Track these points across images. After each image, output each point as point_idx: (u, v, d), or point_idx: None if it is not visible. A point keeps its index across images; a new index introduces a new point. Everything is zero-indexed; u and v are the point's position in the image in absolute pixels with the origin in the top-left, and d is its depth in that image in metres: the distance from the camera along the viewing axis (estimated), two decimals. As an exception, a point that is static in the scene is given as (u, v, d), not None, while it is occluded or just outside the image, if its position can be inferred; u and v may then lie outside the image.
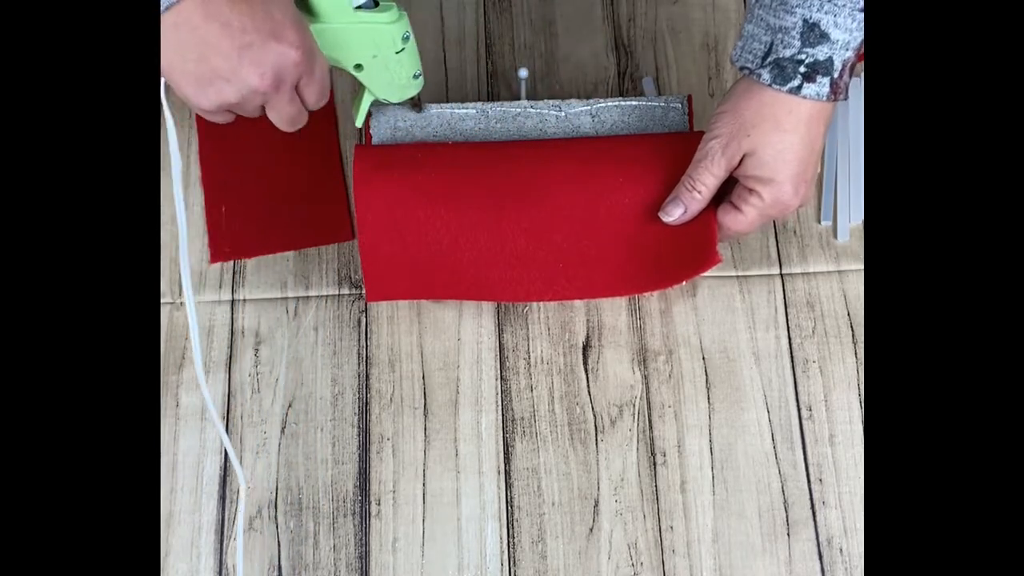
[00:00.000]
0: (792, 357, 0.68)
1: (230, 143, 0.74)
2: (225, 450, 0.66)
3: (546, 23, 0.78)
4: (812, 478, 0.65)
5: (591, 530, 0.64)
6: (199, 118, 0.75)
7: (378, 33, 0.59)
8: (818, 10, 0.54)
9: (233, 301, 0.70)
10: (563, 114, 0.69)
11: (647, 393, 0.67)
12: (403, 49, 0.60)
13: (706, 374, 0.67)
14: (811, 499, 0.64)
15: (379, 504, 0.65)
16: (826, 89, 0.56)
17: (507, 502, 0.65)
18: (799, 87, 0.56)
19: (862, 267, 0.70)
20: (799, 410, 0.67)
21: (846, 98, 0.58)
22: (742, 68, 0.58)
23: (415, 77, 0.63)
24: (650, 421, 0.66)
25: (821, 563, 0.63)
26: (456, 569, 0.63)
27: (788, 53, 0.56)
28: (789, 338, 0.68)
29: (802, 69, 0.56)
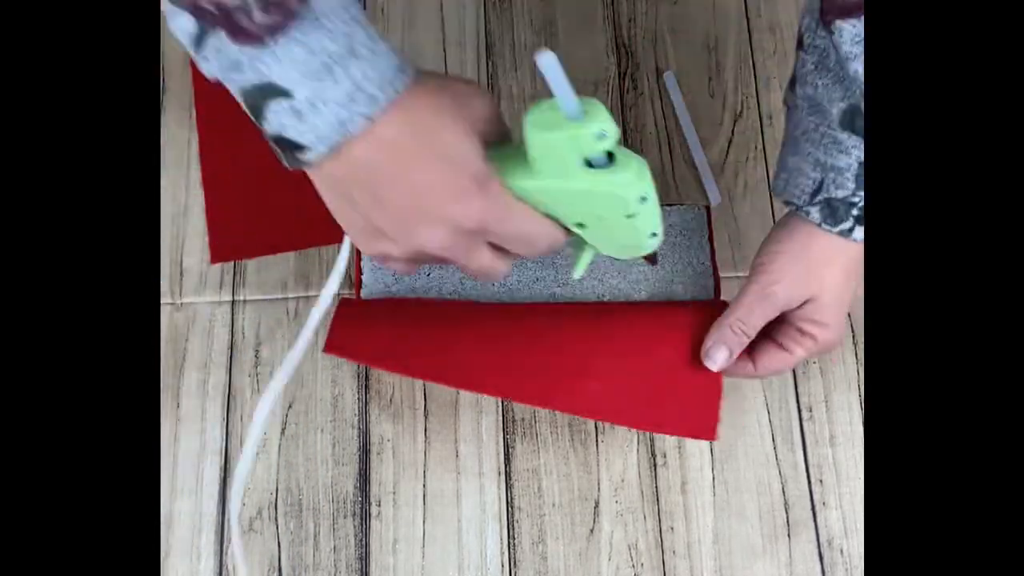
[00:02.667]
0: (792, 358, 0.68)
1: (230, 143, 0.74)
2: (225, 450, 0.66)
3: (546, 23, 0.78)
4: (812, 479, 0.65)
5: (591, 531, 0.64)
6: (199, 118, 0.75)
7: (609, 196, 0.46)
8: None
9: (233, 301, 0.70)
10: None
11: (647, 394, 0.67)
12: (636, 214, 0.47)
13: (706, 375, 0.67)
14: (811, 500, 0.64)
15: (379, 505, 0.65)
16: (862, 231, 0.54)
17: (507, 503, 0.65)
18: (850, 229, 0.54)
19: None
20: (799, 411, 0.67)
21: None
22: (787, 203, 0.56)
23: (651, 236, 0.50)
24: (650, 422, 0.66)
25: (821, 564, 0.63)
26: (456, 570, 0.63)
27: (840, 195, 0.53)
28: (789, 339, 0.68)
29: (855, 212, 0.54)
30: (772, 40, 0.77)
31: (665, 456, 0.65)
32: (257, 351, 0.68)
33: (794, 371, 0.67)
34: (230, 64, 0.43)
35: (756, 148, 0.74)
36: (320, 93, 0.42)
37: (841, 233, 0.54)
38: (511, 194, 0.46)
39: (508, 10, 0.79)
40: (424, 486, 0.65)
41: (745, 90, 0.75)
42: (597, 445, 0.66)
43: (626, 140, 0.74)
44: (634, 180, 0.45)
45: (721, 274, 0.69)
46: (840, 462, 0.65)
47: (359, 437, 0.66)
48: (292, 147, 0.45)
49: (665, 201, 0.72)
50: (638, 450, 0.66)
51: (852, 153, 0.53)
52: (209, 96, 0.76)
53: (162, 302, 0.70)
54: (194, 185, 0.73)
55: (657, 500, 0.64)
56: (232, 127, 0.75)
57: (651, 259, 0.58)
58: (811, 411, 0.67)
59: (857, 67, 0.50)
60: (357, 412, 0.67)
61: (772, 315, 0.56)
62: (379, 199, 0.46)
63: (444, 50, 0.77)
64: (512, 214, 0.47)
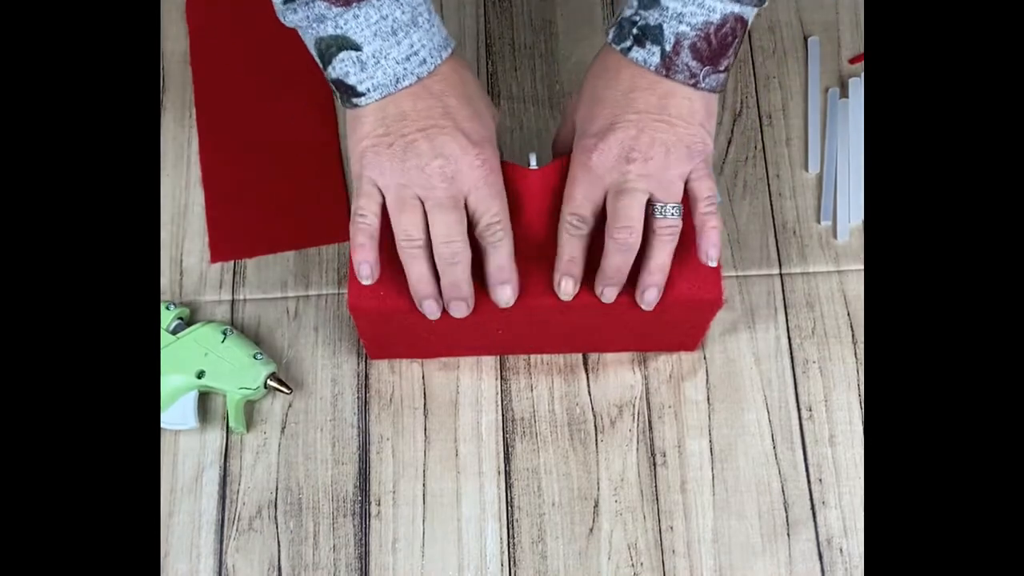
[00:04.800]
0: (792, 357, 0.68)
1: (230, 143, 0.74)
2: (225, 450, 0.66)
3: (546, 23, 0.78)
4: (812, 478, 0.65)
5: (591, 530, 0.64)
6: (199, 118, 0.75)
7: (200, 333, 0.66)
8: None
9: (233, 301, 0.70)
10: None
11: (647, 393, 0.67)
12: (226, 337, 0.66)
13: (706, 374, 0.67)
14: (811, 499, 0.64)
15: (379, 504, 0.65)
16: (656, 59, 0.55)
17: (507, 502, 0.65)
18: (628, 48, 0.55)
19: (862, 267, 0.70)
20: (799, 410, 0.67)
21: (709, 88, 0.56)
22: (607, 33, 0.58)
23: (256, 358, 0.65)
24: (650, 421, 0.66)
25: (821, 563, 0.63)
26: (456, 569, 0.63)
27: (627, 13, 0.56)
28: (789, 338, 0.68)
29: (635, 31, 0.55)
30: (772, 40, 0.77)
31: (665, 455, 0.65)
32: (286, 362, 0.68)
33: (794, 371, 0.67)
34: (316, 17, 0.53)
35: (756, 148, 0.74)
36: (384, 50, 0.54)
37: (623, 51, 0.56)
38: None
39: (508, 10, 0.79)
40: (424, 485, 0.65)
41: (745, 90, 0.75)
42: (597, 444, 0.66)
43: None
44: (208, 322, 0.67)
45: (722, 269, 0.69)
46: (839, 461, 0.65)
47: (359, 436, 0.66)
48: (349, 91, 0.55)
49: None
50: (637, 449, 0.66)
51: None
52: (209, 96, 0.76)
53: (162, 302, 0.70)
54: (194, 185, 0.73)
55: (657, 499, 0.64)
56: (232, 127, 0.75)
57: (283, 385, 0.66)
58: (811, 410, 0.67)
59: None
60: (357, 412, 0.67)
61: (568, 130, 0.60)
62: (403, 126, 0.55)
63: (444, 50, 0.77)
64: (496, 182, 0.57)
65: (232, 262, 0.71)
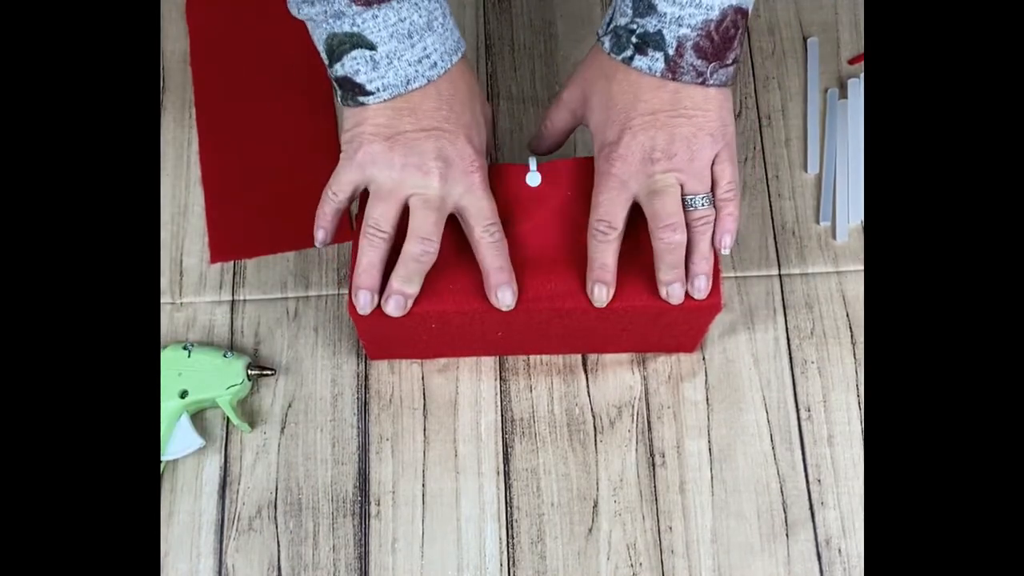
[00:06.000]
0: (791, 358, 0.68)
1: (230, 143, 0.74)
2: (225, 450, 0.66)
3: (546, 23, 0.78)
4: (811, 479, 0.65)
5: (590, 531, 0.64)
6: (199, 118, 0.75)
7: (165, 358, 0.66)
8: None
9: (233, 301, 0.70)
10: None
11: (646, 394, 0.67)
12: (191, 351, 0.66)
13: (705, 375, 0.67)
14: (810, 499, 0.64)
15: (379, 504, 0.65)
16: (660, 64, 0.55)
17: (506, 503, 0.65)
18: (631, 58, 0.55)
19: (861, 268, 0.70)
20: (798, 411, 0.67)
21: (718, 84, 0.56)
22: (599, 39, 0.58)
23: (226, 356, 0.66)
24: (649, 422, 0.66)
25: (820, 563, 0.63)
26: (455, 570, 0.63)
27: (623, 22, 0.55)
28: (788, 339, 0.68)
29: (634, 39, 0.55)
30: (772, 40, 0.77)
31: (664, 456, 0.65)
32: (257, 351, 0.68)
33: (793, 371, 0.68)
34: (333, 12, 0.53)
35: (755, 148, 0.74)
36: (399, 52, 0.54)
37: (624, 61, 0.56)
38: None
39: (508, 10, 0.79)
40: (423, 486, 0.65)
41: (744, 90, 0.75)
42: (596, 445, 0.66)
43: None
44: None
45: (721, 274, 0.69)
46: (838, 461, 0.65)
47: (358, 437, 0.66)
48: (356, 88, 0.55)
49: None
50: (637, 450, 0.66)
51: None
52: (209, 96, 0.76)
53: (162, 302, 0.70)
54: (194, 185, 0.73)
55: (656, 500, 0.64)
56: (232, 127, 0.75)
57: (265, 369, 0.67)
58: (809, 411, 0.67)
59: None
60: (357, 412, 0.67)
61: (564, 115, 0.61)
62: (405, 126, 0.55)
63: (444, 50, 0.77)
64: (487, 188, 0.57)
65: (232, 262, 0.71)
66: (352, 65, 0.55)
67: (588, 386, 0.67)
